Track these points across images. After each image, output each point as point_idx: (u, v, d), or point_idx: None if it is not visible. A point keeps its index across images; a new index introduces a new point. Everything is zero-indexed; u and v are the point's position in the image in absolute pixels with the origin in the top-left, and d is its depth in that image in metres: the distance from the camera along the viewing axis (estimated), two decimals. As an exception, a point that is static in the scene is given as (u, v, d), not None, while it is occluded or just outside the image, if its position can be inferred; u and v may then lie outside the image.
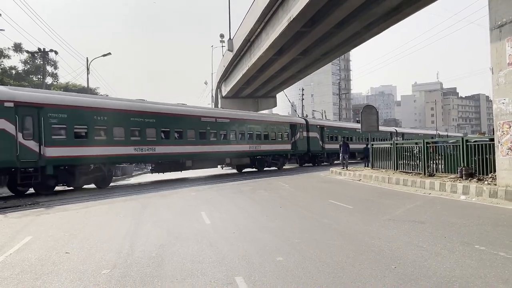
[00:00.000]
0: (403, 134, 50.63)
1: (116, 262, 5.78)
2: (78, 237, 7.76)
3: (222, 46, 52.17)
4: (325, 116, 71.09)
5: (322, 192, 14.77)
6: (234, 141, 25.50)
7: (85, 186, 18.35)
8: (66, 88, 40.54)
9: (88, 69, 33.52)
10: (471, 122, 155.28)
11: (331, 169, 23.61)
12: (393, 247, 6.14)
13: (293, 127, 31.27)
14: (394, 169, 17.85)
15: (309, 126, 33.21)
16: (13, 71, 39.17)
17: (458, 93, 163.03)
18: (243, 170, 28.78)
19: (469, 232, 6.98)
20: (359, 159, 35.78)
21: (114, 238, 7.48)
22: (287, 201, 12.11)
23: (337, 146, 27.96)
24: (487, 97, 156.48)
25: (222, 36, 52.32)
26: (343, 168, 22.12)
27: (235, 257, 5.84)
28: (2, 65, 38.05)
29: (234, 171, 29.77)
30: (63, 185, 17.68)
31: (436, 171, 15.04)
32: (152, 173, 23.49)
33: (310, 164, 34.29)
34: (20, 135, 14.93)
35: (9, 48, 38.23)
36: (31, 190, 16.70)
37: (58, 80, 44.76)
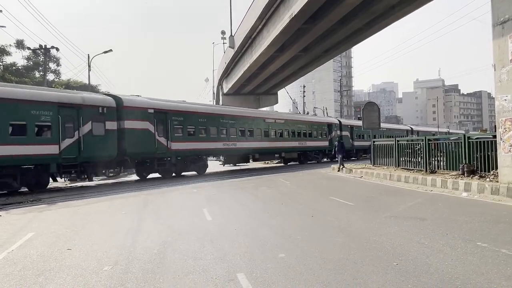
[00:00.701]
0: (418, 132, 51.53)
1: (118, 259, 5.79)
2: (80, 233, 7.77)
3: (224, 43, 52.05)
4: (327, 113, 70.94)
5: (323, 189, 14.77)
6: (288, 138, 30.59)
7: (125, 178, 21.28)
8: (68, 85, 40.59)
9: (89, 66, 33.51)
10: (473, 119, 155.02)
11: (332, 166, 23.62)
12: (395, 244, 6.13)
13: (330, 126, 36.26)
14: (396, 166, 17.84)
15: (342, 125, 38.10)
16: (14, 68, 39.17)
17: (460, 90, 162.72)
18: (288, 163, 33.97)
19: (471, 229, 6.97)
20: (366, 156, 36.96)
21: (116, 234, 7.50)
22: (288, 198, 12.11)
23: (364, 143, 29.20)
24: (489, 94, 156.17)
25: (223, 33, 52.23)
26: (340, 168, 21.34)
27: (236, 254, 5.84)
28: (4, 62, 38.06)
29: (234, 167, 30.61)
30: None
31: (438, 168, 15.02)
32: (224, 165, 28.96)
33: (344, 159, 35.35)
34: (156, 133, 20.28)
35: (10, 45, 38.26)
36: (152, 176, 22.24)
37: (60, 76, 44.82)
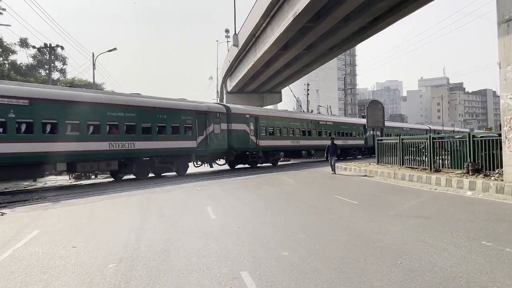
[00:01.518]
0: (435, 132, 52.51)
1: (122, 256, 5.82)
2: (85, 231, 7.82)
3: (227, 41, 51.94)
4: (331, 111, 70.83)
5: (327, 187, 14.76)
6: (335, 137, 32.26)
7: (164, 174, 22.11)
8: (72, 83, 40.70)
9: (94, 64, 33.58)
10: (478, 117, 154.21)
11: (336, 164, 23.57)
12: (399, 242, 6.13)
13: (365, 127, 38.66)
14: (400, 165, 17.79)
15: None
16: (22, 65, 39.35)
17: (464, 88, 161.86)
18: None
19: (476, 228, 6.95)
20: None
21: (120, 232, 7.53)
22: (292, 197, 12.11)
23: (392, 141, 29.15)
24: (494, 92, 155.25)
25: (227, 31, 52.09)
26: (332, 172, 19.56)
27: (240, 252, 5.86)
28: (9, 60, 38.23)
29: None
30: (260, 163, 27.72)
31: (442, 167, 14.97)
32: (282, 160, 31.96)
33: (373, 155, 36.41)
34: (250, 133, 25.93)
35: (15, 44, 38.42)
36: (240, 166, 27.35)
37: (65, 75, 45.00)
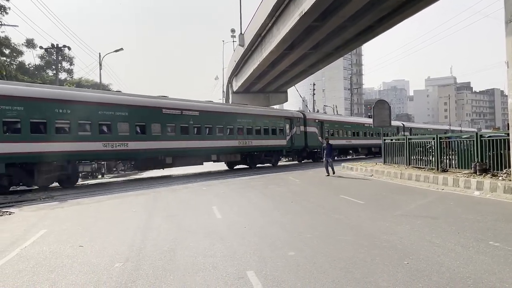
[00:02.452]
0: (453, 132, 53.78)
1: (129, 256, 5.84)
2: (91, 230, 7.86)
3: (233, 41, 52.02)
4: (337, 111, 70.64)
5: (333, 187, 14.71)
6: (374, 138, 40.29)
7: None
8: (79, 83, 40.94)
9: (100, 64, 33.75)
10: (485, 117, 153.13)
11: (342, 164, 23.49)
12: (406, 242, 6.09)
13: (398, 128, 46.10)
14: (407, 165, 17.70)
15: (404, 127, 48.38)
16: (29, 66, 39.61)
17: (472, 87, 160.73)
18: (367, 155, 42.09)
19: (483, 228, 6.90)
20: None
21: (127, 231, 7.56)
22: (298, 196, 12.09)
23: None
24: (502, 91, 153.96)
25: (233, 31, 52.19)
26: (327, 174, 18.42)
27: (246, 252, 5.85)
28: (17, 61, 38.51)
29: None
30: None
31: (449, 167, 14.87)
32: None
33: None
34: (318, 134, 32.88)
35: (22, 44, 38.70)
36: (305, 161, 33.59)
37: (72, 76, 45.27)
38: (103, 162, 22.11)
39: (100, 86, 35.39)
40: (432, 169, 15.49)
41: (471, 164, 13.31)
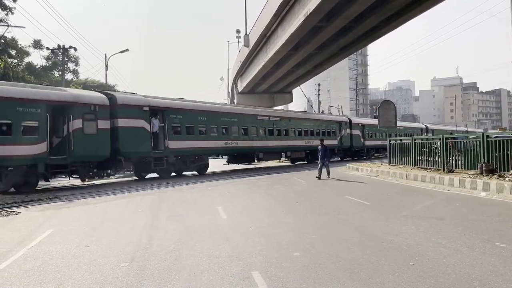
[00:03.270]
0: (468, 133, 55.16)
1: (135, 256, 5.86)
2: (98, 230, 7.89)
3: (238, 42, 52.03)
4: (342, 112, 70.48)
5: (338, 188, 14.69)
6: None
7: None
8: (85, 84, 41.15)
9: (106, 65, 33.91)
10: (492, 117, 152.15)
11: (348, 164, 23.46)
12: (411, 243, 6.07)
13: (422, 129, 50.36)
14: (412, 165, 17.63)
15: (428, 129, 52.03)
16: (37, 67, 39.91)
17: (478, 88, 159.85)
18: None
19: (490, 229, 6.86)
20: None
21: (132, 231, 7.59)
22: (303, 197, 12.09)
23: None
24: (509, 92, 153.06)
25: (238, 31, 52.21)
26: (317, 177, 17.46)
27: (251, 252, 5.86)
28: (24, 63, 38.80)
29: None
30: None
31: (456, 167, 14.80)
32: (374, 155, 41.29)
33: None
34: (361, 136, 38.26)
35: (29, 46, 38.98)
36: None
37: (78, 76, 45.50)
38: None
39: (106, 87, 35.54)
40: (438, 169, 15.42)
41: (477, 164, 13.25)
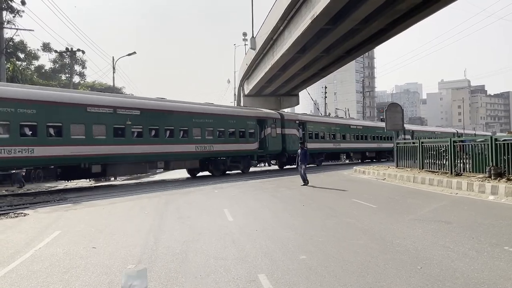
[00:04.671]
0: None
1: (141, 258, 5.88)
2: (105, 232, 7.92)
3: (245, 45, 52.21)
4: (349, 114, 70.26)
5: (345, 191, 14.63)
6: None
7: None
8: (92, 87, 41.41)
9: (114, 68, 34.09)
10: (500, 120, 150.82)
11: (354, 167, 23.36)
12: (419, 247, 6.03)
13: (454, 134, 52.33)
14: (420, 168, 17.52)
15: (458, 133, 54.35)
16: (44, 70, 40.28)
17: (486, 90, 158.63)
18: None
19: (498, 233, 6.79)
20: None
21: (139, 233, 7.61)
22: (310, 199, 12.05)
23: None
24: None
25: (245, 34, 52.39)
26: (303, 184, 16.27)
27: (258, 255, 5.85)
28: (33, 66, 39.14)
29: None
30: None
31: (464, 171, 14.68)
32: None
33: None
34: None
35: (38, 50, 39.34)
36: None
37: (85, 79, 45.79)
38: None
39: (113, 90, 35.73)
40: (446, 173, 15.31)
41: (485, 168, 13.13)
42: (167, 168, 21.81)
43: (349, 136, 35.87)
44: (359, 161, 39.04)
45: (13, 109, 14.74)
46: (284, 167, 29.89)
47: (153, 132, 19.62)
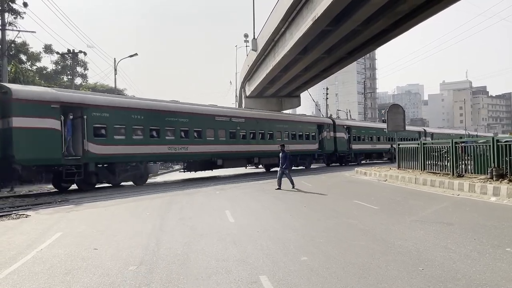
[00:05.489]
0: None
1: (143, 259, 5.88)
2: (106, 233, 7.93)
3: (246, 46, 52.35)
4: (350, 116, 70.21)
5: (347, 192, 14.62)
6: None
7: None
8: (94, 88, 41.48)
9: (115, 69, 34.16)
10: (502, 121, 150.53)
11: (356, 169, 23.35)
12: (420, 248, 6.02)
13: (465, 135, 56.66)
14: (421, 170, 17.50)
15: (470, 135, 56.78)
16: (45, 72, 40.37)
17: (488, 92, 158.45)
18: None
19: (500, 235, 6.78)
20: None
21: (141, 235, 7.62)
22: (311, 201, 12.04)
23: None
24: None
25: (246, 36, 52.48)
26: (277, 188, 15.30)
27: (259, 256, 5.85)
28: (35, 67, 39.22)
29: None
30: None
31: (465, 172, 14.65)
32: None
33: None
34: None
35: (40, 52, 39.43)
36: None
37: (87, 80, 45.87)
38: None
39: (115, 91, 35.80)
40: (448, 174, 15.29)
41: (487, 169, 13.11)
42: (260, 163, 28.01)
43: (382, 138, 39.92)
44: (387, 159, 41.15)
45: (176, 119, 20.71)
46: (331, 165, 35.12)
47: (251, 135, 25.57)
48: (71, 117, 16.23)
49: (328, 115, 58.49)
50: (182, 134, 20.95)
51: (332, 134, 33.27)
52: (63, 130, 15.76)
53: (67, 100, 16.20)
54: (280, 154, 16.16)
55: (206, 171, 24.53)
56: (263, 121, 26.91)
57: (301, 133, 30.03)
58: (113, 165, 18.30)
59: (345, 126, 35.55)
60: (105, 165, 18.29)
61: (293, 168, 24.19)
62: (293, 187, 15.25)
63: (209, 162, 23.09)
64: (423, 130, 49.31)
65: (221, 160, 23.45)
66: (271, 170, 28.45)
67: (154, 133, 19.68)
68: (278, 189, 15.16)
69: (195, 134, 21.65)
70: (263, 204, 11.61)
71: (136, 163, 19.29)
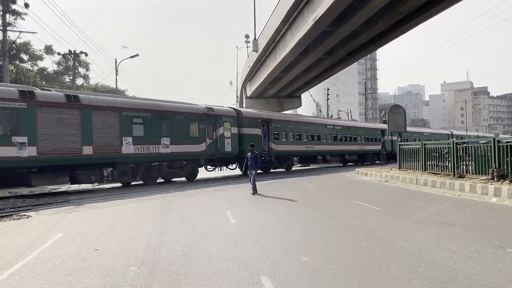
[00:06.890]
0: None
1: (144, 260, 5.89)
2: (107, 234, 7.94)
3: (247, 47, 52.36)
4: (351, 116, 70.25)
5: (347, 192, 14.62)
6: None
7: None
8: (95, 89, 41.52)
9: (116, 70, 34.19)
10: (503, 122, 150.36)
11: (356, 169, 23.33)
12: (421, 249, 6.02)
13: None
14: (422, 170, 17.49)
15: (479, 136, 55.49)
16: (46, 73, 40.40)
17: (489, 92, 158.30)
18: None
19: (501, 235, 6.77)
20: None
21: (142, 235, 7.62)
22: (312, 201, 12.04)
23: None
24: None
25: (247, 36, 52.48)
26: (252, 192, 13.95)
27: (260, 257, 5.85)
28: (36, 68, 39.25)
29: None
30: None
31: (466, 173, 14.64)
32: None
33: None
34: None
35: (40, 51, 39.45)
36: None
37: (88, 81, 45.92)
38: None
39: (116, 92, 35.82)
40: (449, 175, 15.28)
41: (488, 170, 13.10)
42: (344, 159, 36.31)
43: (366, 139, 40.96)
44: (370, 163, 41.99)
45: (305, 127, 31.02)
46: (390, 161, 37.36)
47: (341, 138, 34.19)
48: (264, 127, 26.23)
49: (329, 116, 58.48)
50: (306, 138, 30.54)
51: (389, 137, 39.68)
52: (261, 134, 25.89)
53: (264, 117, 26.89)
54: (249, 154, 14.67)
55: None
56: (349, 128, 36.41)
57: (371, 137, 38.43)
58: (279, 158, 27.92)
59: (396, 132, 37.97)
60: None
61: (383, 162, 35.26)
62: (255, 193, 13.92)
63: (320, 158, 34.14)
64: (450, 133, 53.34)
65: (322, 158, 34.01)
66: (347, 164, 36.31)
67: (299, 137, 29.56)
68: (253, 193, 13.86)
69: (315, 138, 31.10)
70: (264, 205, 11.61)
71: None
